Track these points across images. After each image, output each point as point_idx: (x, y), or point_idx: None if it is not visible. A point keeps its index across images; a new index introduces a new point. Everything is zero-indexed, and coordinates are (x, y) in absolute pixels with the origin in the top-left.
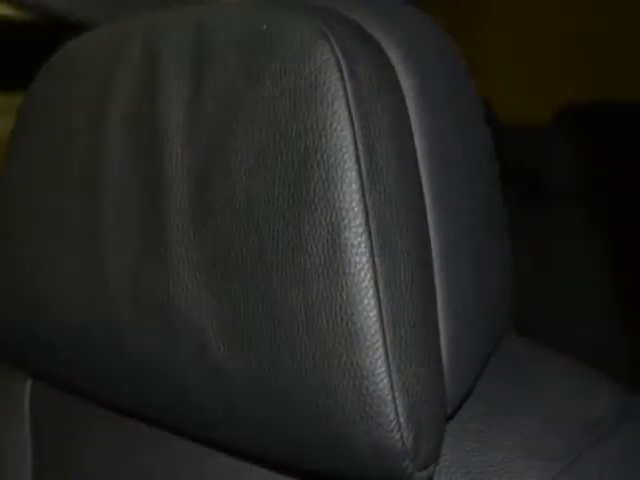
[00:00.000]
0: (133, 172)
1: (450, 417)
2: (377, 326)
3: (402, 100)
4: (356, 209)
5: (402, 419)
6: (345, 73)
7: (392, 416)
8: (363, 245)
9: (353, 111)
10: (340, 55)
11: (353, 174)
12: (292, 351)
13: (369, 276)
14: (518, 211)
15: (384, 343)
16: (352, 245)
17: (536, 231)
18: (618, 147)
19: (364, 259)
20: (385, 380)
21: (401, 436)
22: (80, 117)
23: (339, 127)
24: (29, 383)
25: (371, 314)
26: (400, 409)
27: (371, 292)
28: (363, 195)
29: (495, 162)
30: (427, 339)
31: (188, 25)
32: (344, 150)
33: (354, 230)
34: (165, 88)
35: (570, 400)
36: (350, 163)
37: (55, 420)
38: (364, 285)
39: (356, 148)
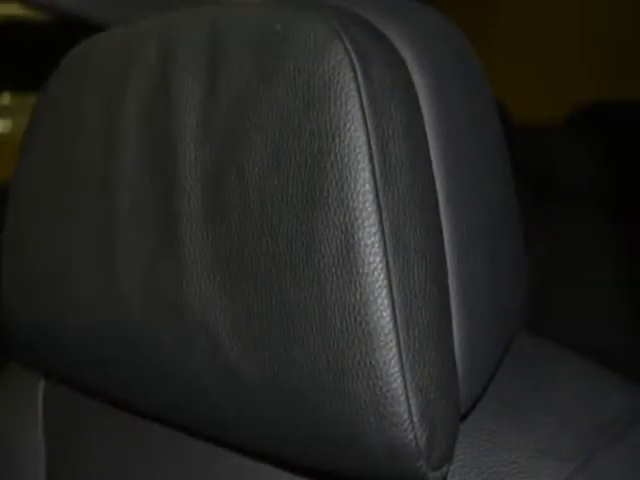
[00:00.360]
0: (147, 171)
1: (464, 417)
2: (391, 326)
3: (416, 100)
4: (370, 209)
5: (416, 419)
6: (359, 73)
7: (406, 416)
8: (377, 245)
9: (367, 111)
10: (354, 55)
11: (367, 174)
12: (305, 351)
13: (383, 276)
14: (530, 211)
15: (398, 343)
16: (366, 245)
17: (548, 231)
18: (630, 147)
19: (377, 259)
20: (399, 380)
21: (414, 436)
22: (94, 117)
23: (352, 127)
24: (42, 383)
25: (385, 314)
26: (414, 409)
27: (385, 292)
28: (377, 195)
29: (509, 162)
30: (441, 339)
31: (202, 25)
32: (358, 150)
33: (368, 230)
34: (179, 88)
35: (583, 400)
36: (364, 163)
37: (68, 420)
38: (378, 285)
39: (370, 148)
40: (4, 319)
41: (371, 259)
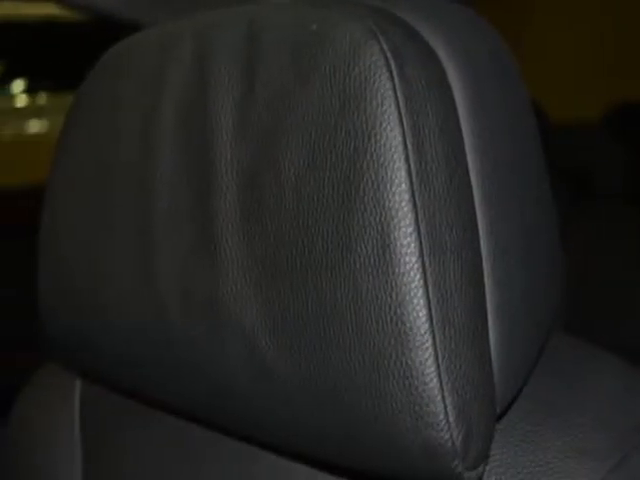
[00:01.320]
0: (183, 171)
1: (499, 417)
2: (427, 326)
3: (452, 99)
4: (405, 209)
5: (451, 418)
6: (394, 73)
7: (441, 416)
8: (413, 245)
9: (402, 111)
10: (389, 55)
11: (402, 174)
12: (341, 351)
13: (419, 276)
14: (565, 211)
15: (434, 343)
16: (402, 245)
17: (583, 231)
18: None
19: (414, 259)
20: (435, 380)
21: (450, 435)
22: (130, 117)
23: (388, 127)
24: (79, 382)
25: (421, 314)
26: (449, 408)
27: (421, 292)
28: (413, 195)
29: (544, 161)
30: (476, 339)
31: (238, 25)
32: (393, 150)
33: (404, 230)
34: (216, 87)
35: (618, 400)
36: (400, 163)
37: (104, 419)
38: (414, 285)
39: (405, 148)
40: (41, 319)
41: (407, 259)
